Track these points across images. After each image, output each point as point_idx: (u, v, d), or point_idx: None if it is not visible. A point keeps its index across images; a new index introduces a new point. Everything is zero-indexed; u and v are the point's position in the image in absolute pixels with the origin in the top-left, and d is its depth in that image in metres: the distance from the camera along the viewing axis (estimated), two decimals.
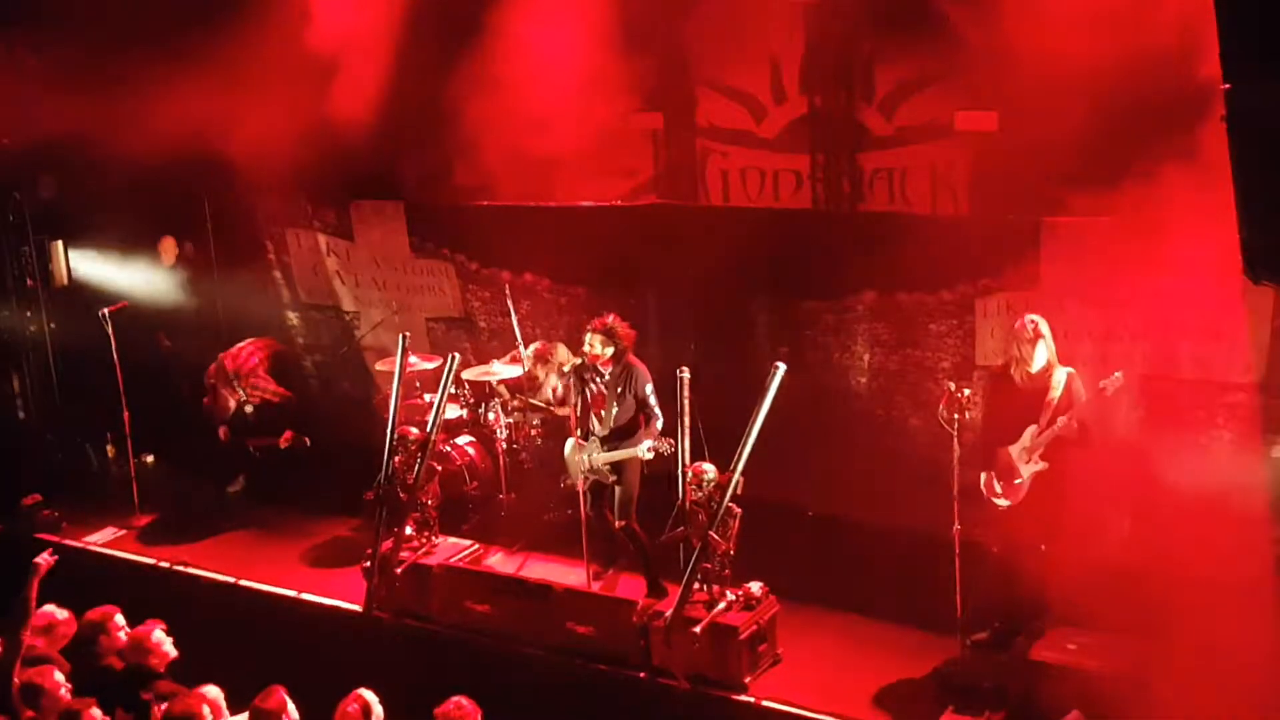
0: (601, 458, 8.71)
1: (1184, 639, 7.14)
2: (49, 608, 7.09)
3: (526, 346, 10.06)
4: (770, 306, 9.93)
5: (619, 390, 8.66)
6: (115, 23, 10.29)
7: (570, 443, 8.90)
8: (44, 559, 7.00)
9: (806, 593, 8.50)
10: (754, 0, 10.01)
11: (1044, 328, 7.73)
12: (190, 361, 11.42)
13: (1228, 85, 4.49)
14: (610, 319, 8.67)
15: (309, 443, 10.54)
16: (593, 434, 8.79)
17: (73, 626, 7.11)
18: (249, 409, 10.78)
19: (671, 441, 8.28)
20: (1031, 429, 7.70)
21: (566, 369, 9.12)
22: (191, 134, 10.38)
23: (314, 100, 10.52)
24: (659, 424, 8.58)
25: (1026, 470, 7.72)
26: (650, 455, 8.50)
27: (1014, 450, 7.73)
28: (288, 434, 10.51)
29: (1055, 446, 7.67)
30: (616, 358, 8.64)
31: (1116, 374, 7.55)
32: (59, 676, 6.50)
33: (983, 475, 7.89)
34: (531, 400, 9.98)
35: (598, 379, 8.73)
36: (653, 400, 8.61)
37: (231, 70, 10.34)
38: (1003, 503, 7.79)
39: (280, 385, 11.03)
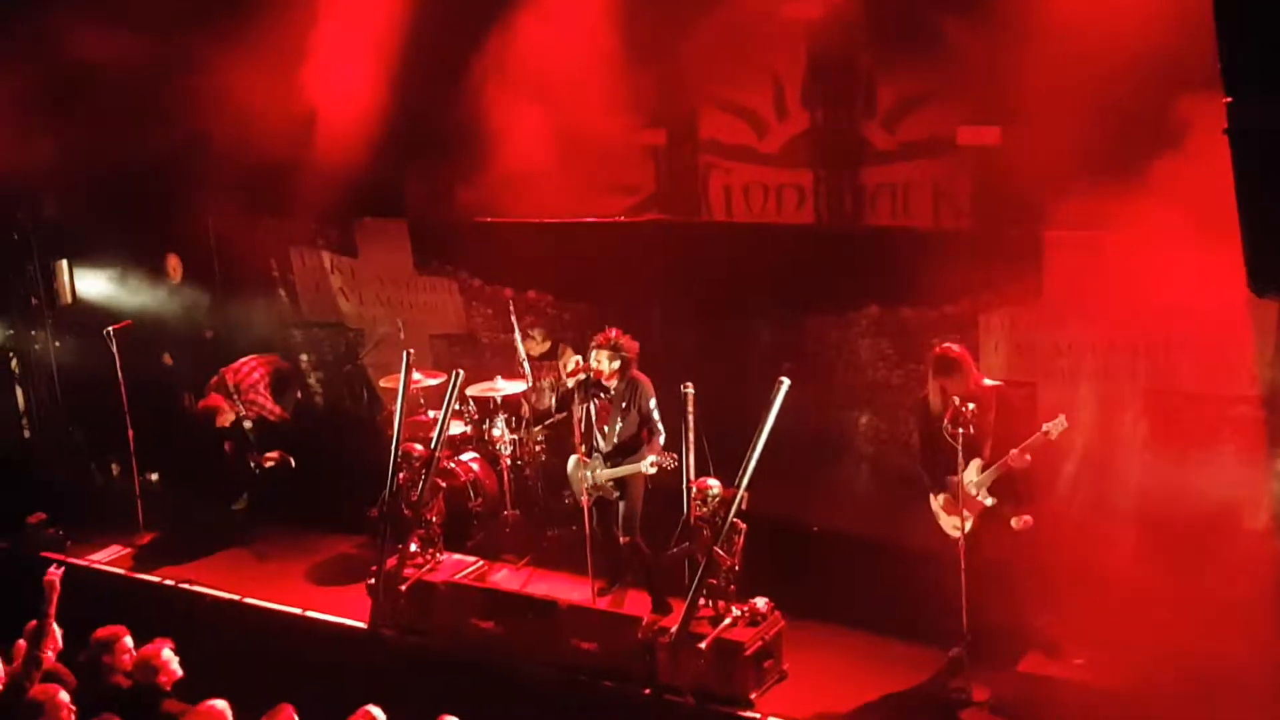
0: (605, 474, 8.72)
1: (1188, 654, 7.13)
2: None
3: (529, 363, 10.08)
4: (773, 322, 9.93)
5: (623, 405, 8.66)
6: (117, 40, 10.31)
7: (574, 459, 8.90)
8: (53, 575, 7.00)
9: (812, 608, 8.48)
10: (756, 16, 10.02)
11: (960, 357, 7.71)
12: (194, 380, 11.42)
13: (1229, 99, 4.50)
14: (614, 334, 8.69)
15: (293, 464, 10.50)
16: (597, 450, 8.79)
17: (55, 642, 7.10)
18: (247, 424, 10.78)
19: (674, 456, 8.28)
20: (976, 463, 7.64)
21: (571, 383, 9.12)
22: (196, 152, 10.42)
23: (318, 118, 10.56)
24: (662, 439, 8.58)
25: (975, 507, 7.66)
26: (653, 470, 8.51)
27: (963, 484, 7.61)
28: (274, 454, 10.48)
29: (1003, 482, 7.63)
30: (621, 372, 8.65)
31: (1060, 417, 7.47)
32: (64, 696, 6.49)
33: (932, 505, 7.88)
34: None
35: (602, 394, 8.73)
36: (656, 415, 8.62)
37: (235, 88, 10.39)
38: (954, 534, 7.73)
39: (280, 402, 11.02)
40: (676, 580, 8.23)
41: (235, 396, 10.70)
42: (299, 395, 11.57)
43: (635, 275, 10.10)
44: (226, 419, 10.68)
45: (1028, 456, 7.55)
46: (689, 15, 10.06)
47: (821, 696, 7.81)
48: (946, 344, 7.96)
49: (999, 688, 7.61)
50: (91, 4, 10.35)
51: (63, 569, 7.07)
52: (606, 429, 8.74)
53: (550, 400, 10.18)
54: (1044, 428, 7.49)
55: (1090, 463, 8.45)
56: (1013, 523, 7.57)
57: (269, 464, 10.50)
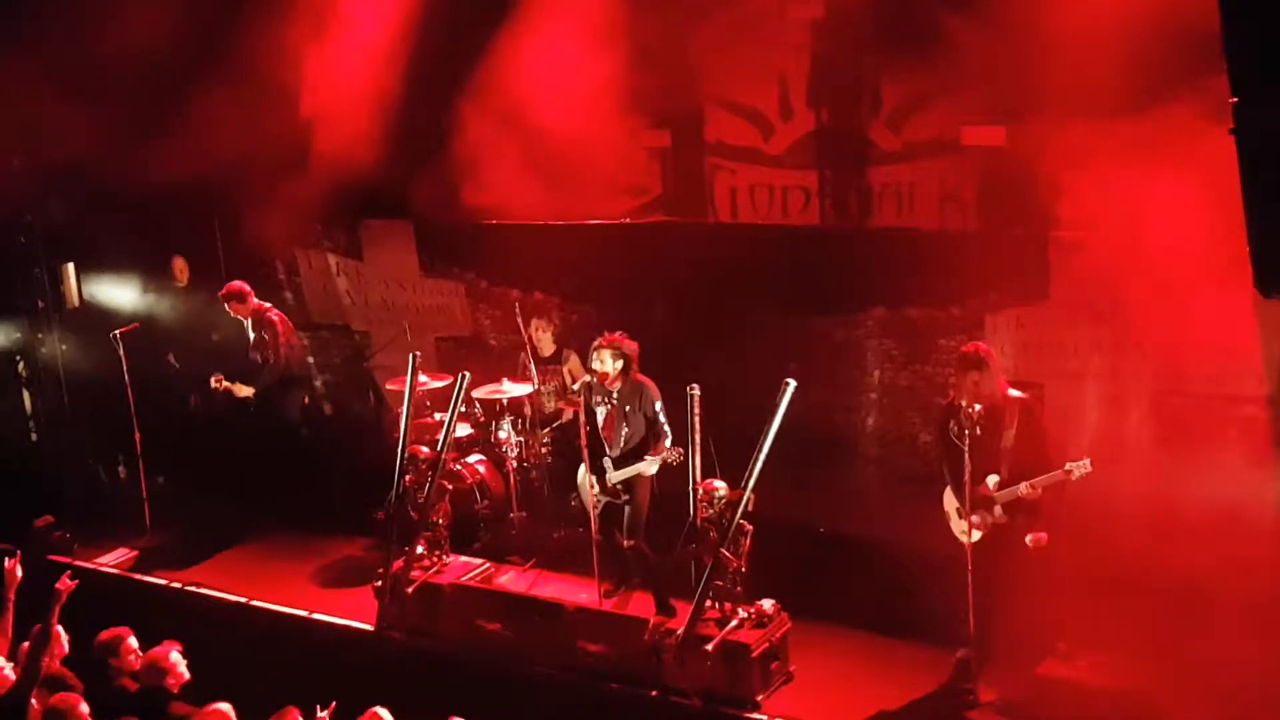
0: (614, 476, 8.71)
1: (1197, 655, 7.12)
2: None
3: (535, 364, 10.08)
4: (780, 323, 9.93)
5: (627, 408, 8.66)
6: (126, 44, 10.32)
7: (583, 468, 8.87)
8: (64, 584, 6.99)
9: (819, 610, 8.47)
10: (761, 17, 10.03)
11: (988, 355, 7.61)
12: (200, 382, 11.42)
13: (1236, 99, 4.49)
14: (617, 335, 8.68)
15: (223, 385, 10.66)
16: (605, 454, 8.79)
17: (61, 646, 7.09)
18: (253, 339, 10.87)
19: (680, 450, 8.27)
20: (993, 479, 7.59)
21: (576, 387, 9.13)
22: (202, 156, 10.43)
23: (323, 121, 10.56)
24: (668, 441, 8.57)
25: (985, 519, 7.63)
26: (654, 469, 8.50)
27: (968, 488, 7.52)
28: (228, 384, 10.67)
29: (1014, 506, 7.59)
30: (624, 373, 8.65)
31: (1085, 460, 7.39)
32: (84, 708, 6.47)
33: (945, 505, 7.88)
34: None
35: (607, 398, 8.73)
36: (662, 417, 8.61)
37: (240, 93, 10.40)
38: (962, 539, 7.72)
39: (286, 397, 11.02)
40: (683, 582, 8.22)
41: (276, 325, 10.77)
42: (305, 399, 11.57)
43: (641, 277, 10.11)
44: (245, 313, 10.80)
45: (1039, 490, 7.50)
46: (694, 16, 10.08)
47: (828, 698, 7.81)
48: (975, 342, 7.92)
49: (1006, 689, 7.60)
50: (97, 8, 10.36)
51: (77, 581, 7.06)
52: (612, 433, 8.74)
53: (554, 404, 10.20)
54: (1067, 467, 7.39)
55: (1097, 462, 8.43)
56: (1027, 540, 7.54)
57: (219, 386, 10.62)
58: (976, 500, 7.56)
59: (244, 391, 10.72)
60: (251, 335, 10.87)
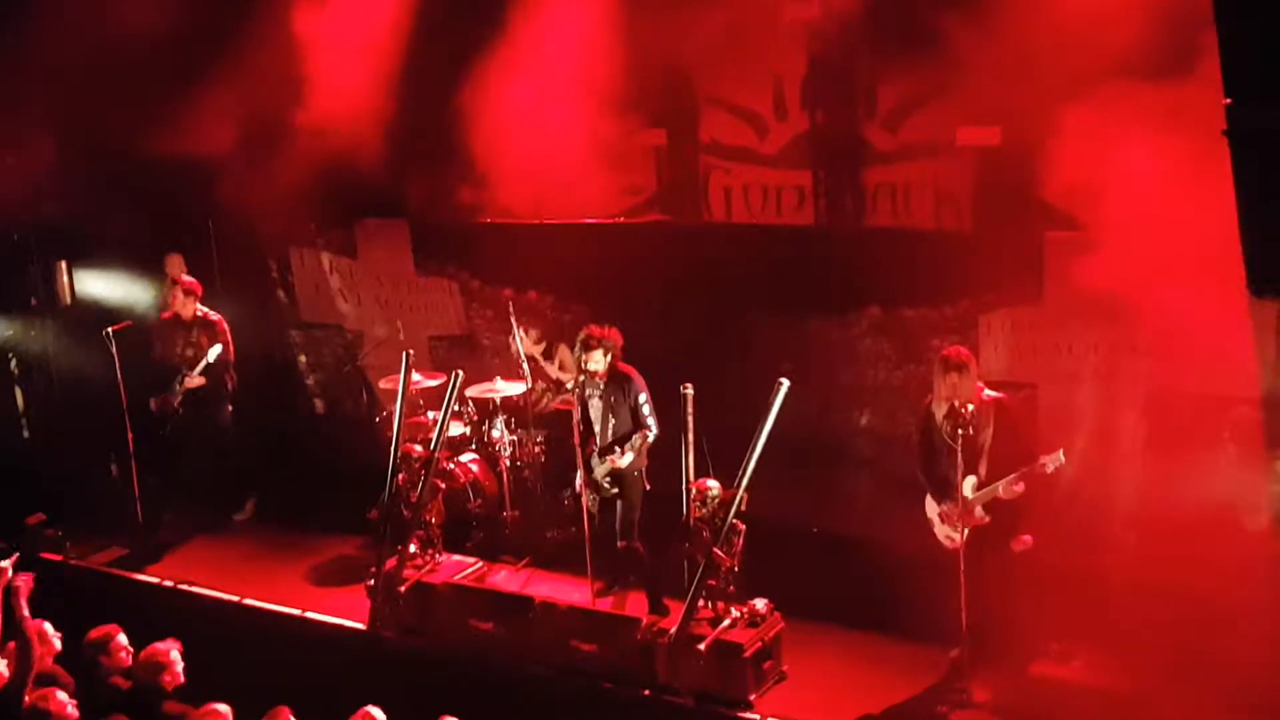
0: (602, 470, 8.69)
1: (1189, 655, 7.12)
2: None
3: (529, 364, 10.08)
4: (773, 323, 9.93)
5: (612, 400, 8.64)
6: (117, 42, 10.30)
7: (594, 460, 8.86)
8: (22, 580, 6.89)
9: (812, 609, 8.47)
10: (756, 17, 10.01)
11: (969, 358, 7.65)
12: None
13: (1230, 100, 4.50)
14: (603, 329, 8.64)
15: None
16: (595, 450, 8.78)
17: (53, 644, 7.07)
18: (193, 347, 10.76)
19: (644, 434, 8.33)
20: (971, 480, 7.61)
21: (570, 386, 9.12)
22: (195, 153, 10.41)
23: (317, 119, 10.55)
24: (653, 434, 8.55)
25: (971, 521, 7.64)
26: (630, 460, 8.48)
27: (960, 491, 7.55)
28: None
29: (996, 506, 7.60)
30: (610, 366, 8.65)
31: (1058, 452, 7.42)
32: (63, 696, 6.47)
33: (928, 512, 7.88)
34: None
35: (595, 391, 8.71)
36: (648, 409, 8.58)
37: (235, 89, 10.39)
38: (948, 543, 7.72)
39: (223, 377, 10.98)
40: (676, 582, 8.22)
41: (219, 325, 10.69)
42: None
43: (635, 276, 10.10)
44: (188, 311, 10.70)
45: (1018, 487, 7.51)
46: (690, 16, 10.06)
47: (821, 698, 7.81)
48: (955, 345, 7.94)
49: (999, 689, 7.61)
50: (89, 8, 10.34)
51: (29, 575, 6.97)
52: (599, 427, 8.72)
53: (548, 402, 10.20)
54: (1041, 460, 7.43)
55: (1091, 463, 8.44)
56: (1013, 544, 7.56)
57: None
58: (962, 504, 7.57)
59: (196, 381, 10.68)
60: (183, 334, 10.79)
